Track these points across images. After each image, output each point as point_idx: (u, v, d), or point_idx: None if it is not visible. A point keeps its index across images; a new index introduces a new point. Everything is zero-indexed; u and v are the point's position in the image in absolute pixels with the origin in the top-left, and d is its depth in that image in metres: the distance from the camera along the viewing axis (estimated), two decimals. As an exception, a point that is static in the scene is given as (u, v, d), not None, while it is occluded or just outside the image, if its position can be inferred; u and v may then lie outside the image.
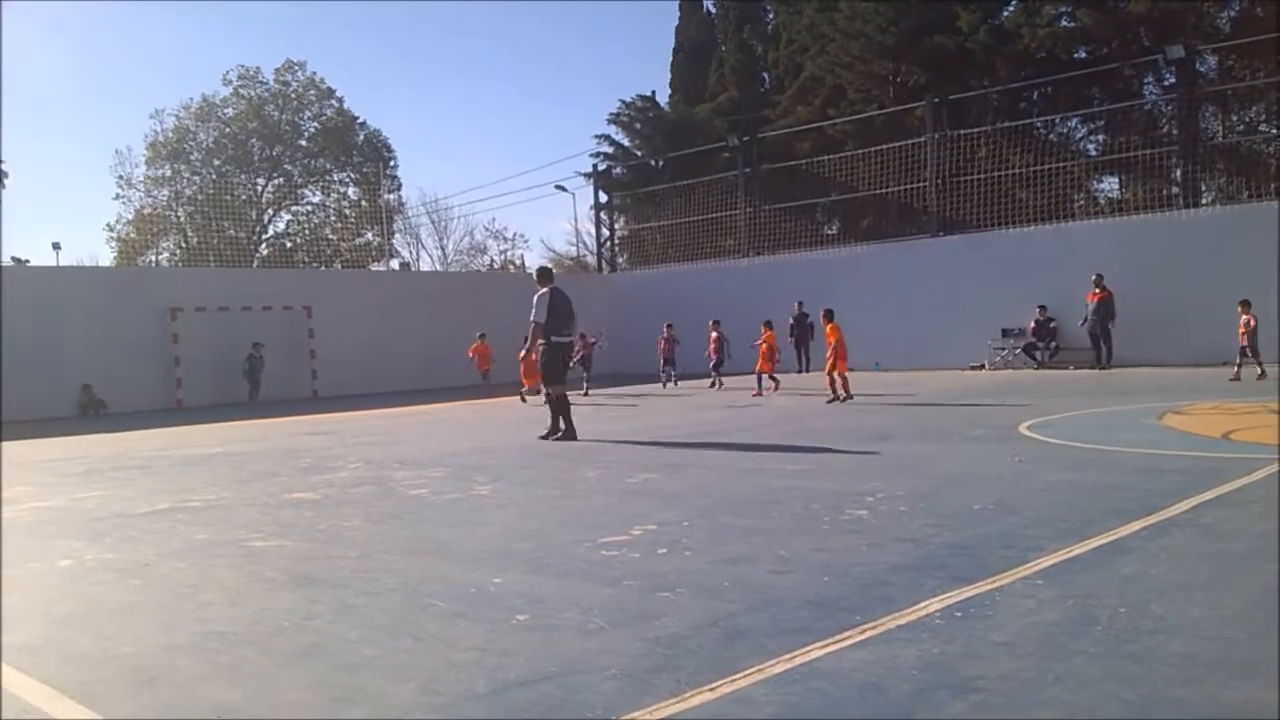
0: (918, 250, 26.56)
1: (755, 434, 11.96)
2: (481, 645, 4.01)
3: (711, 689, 3.39)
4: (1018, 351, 23.47)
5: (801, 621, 4.15)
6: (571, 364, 19.75)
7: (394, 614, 4.61)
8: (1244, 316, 16.79)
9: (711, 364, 21.96)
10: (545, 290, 12.04)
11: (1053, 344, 23.01)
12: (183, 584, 5.50)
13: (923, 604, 4.31)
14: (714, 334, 22.06)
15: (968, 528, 5.90)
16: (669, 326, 23.37)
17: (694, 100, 44.12)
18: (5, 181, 58.38)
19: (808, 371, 24.27)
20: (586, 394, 20.45)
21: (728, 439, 11.51)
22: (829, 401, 14.80)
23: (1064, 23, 31.18)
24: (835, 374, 15.83)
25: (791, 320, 24.88)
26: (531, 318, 11.97)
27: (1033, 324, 23.20)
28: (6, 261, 39.44)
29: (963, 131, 26.88)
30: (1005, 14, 32.55)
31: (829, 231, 35.82)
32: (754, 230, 30.75)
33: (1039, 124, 31.21)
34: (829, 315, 16.25)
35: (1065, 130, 33.32)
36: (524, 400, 19.22)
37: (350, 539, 6.62)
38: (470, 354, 23.98)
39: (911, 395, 16.81)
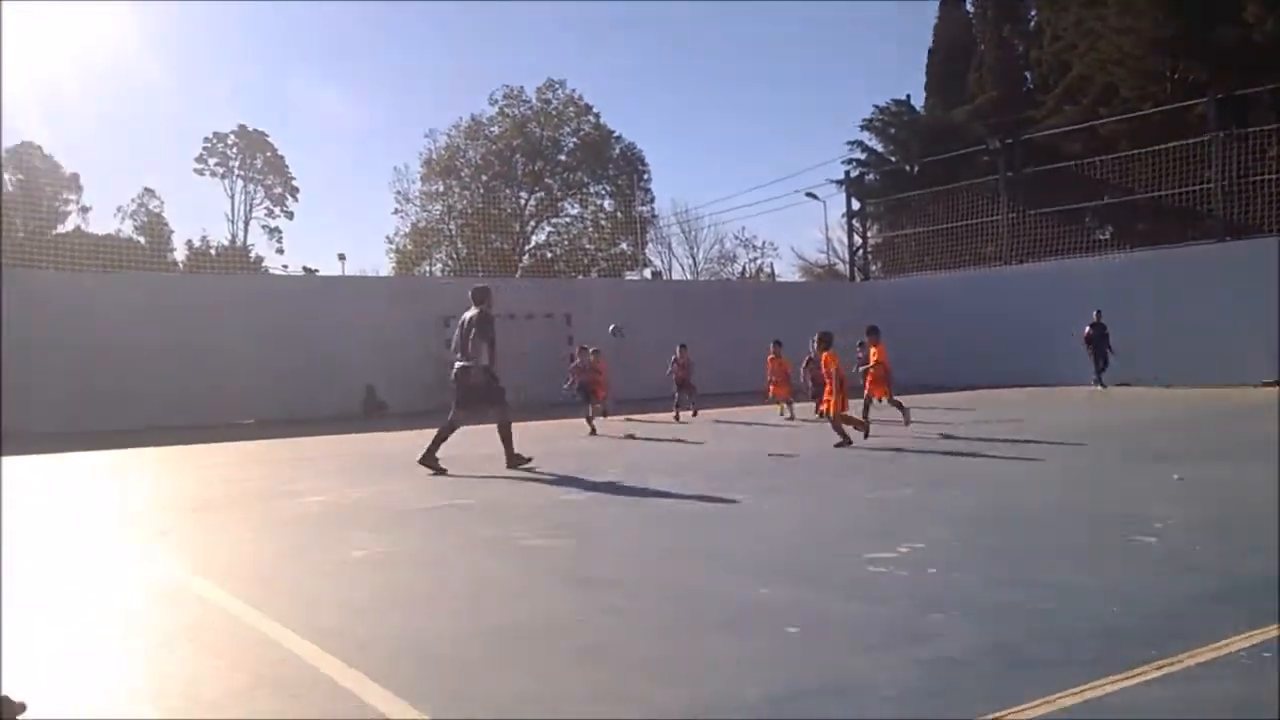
0: (1200, 257, 24.56)
1: (1022, 450, 11.43)
2: (751, 655, 4.03)
3: (996, 717, 3.26)
4: (1320, 366, 21.31)
5: (1090, 652, 3.92)
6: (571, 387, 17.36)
7: (665, 617, 4.71)
8: None
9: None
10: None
11: (1361, 359, 20.75)
12: (467, 577, 5.83)
13: (1225, 641, 3.98)
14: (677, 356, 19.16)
15: (1276, 561, 5.41)
16: (777, 344, 18.70)
17: (951, 103, 42.76)
18: (297, 196, 64.06)
19: (1103, 385, 22.85)
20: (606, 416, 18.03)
21: (993, 454, 11.06)
22: (838, 445, 11.93)
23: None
24: (837, 413, 12.36)
25: (1089, 329, 23.45)
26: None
27: (1338, 337, 21.02)
28: (298, 271, 42.98)
29: (1251, 130, 24.72)
30: (1299, 2, 29.72)
31: (1100, 237, 33.81)
32: (1017, 236, 29.45)
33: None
34: (826, 341, 13.16)
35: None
36: (782, 415, 18.18)
37: (619, 541, 6.83)
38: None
39: (1196, 412, 15.59)
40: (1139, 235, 32.40)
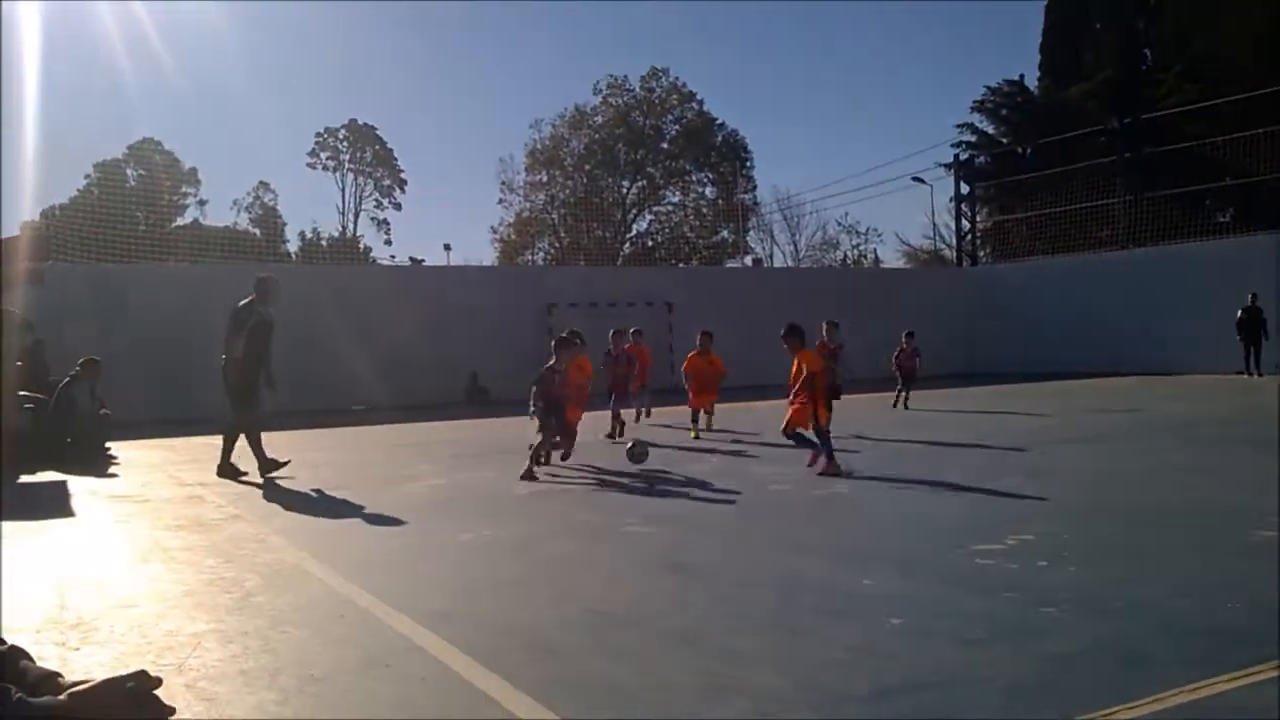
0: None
1: (1142, 443, 11.08)
2: (858, 646, 3.98)
3: (1106, 715, 3.17)
4: None
5: (1206, 651, 3.78)
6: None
7: (767, 607, 4.68)
8: None
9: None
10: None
11: None
12: (567, 562, 5.90)
13: (1350, 642, 3.80)
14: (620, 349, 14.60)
15: None
16: (705, 335, 14.52)
17: (1066, 83, 41.46)
18: (406, 189, 65.41)
19: (1258, 374, 21.85)
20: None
21: (1108, 452, 10.75)
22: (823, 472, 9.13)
23: None
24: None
25: (1242, 313, 22.34)
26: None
27: None
28: (405, 261, 43.96)
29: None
30: None
31: (1221, 219, 32.49)
32: (1133, 219, 28.47)
33: None
34: (798, 336, 9.63)
35: None
36: (694, 433, 13.66)
37: (718, 529, 6.82)
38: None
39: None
40: (1262, 218, 31.04)
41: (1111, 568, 5.19)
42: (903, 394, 17.45)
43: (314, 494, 9.21)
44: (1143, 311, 25.58)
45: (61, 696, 1.37)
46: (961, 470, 9.25)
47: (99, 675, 1.34)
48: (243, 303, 10.51)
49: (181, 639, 4.39)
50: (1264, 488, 7.60)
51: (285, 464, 10.55)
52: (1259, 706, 3.22)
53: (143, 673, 1.43)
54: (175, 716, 1.51)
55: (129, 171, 58.30)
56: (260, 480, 10.21)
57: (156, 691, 1.45)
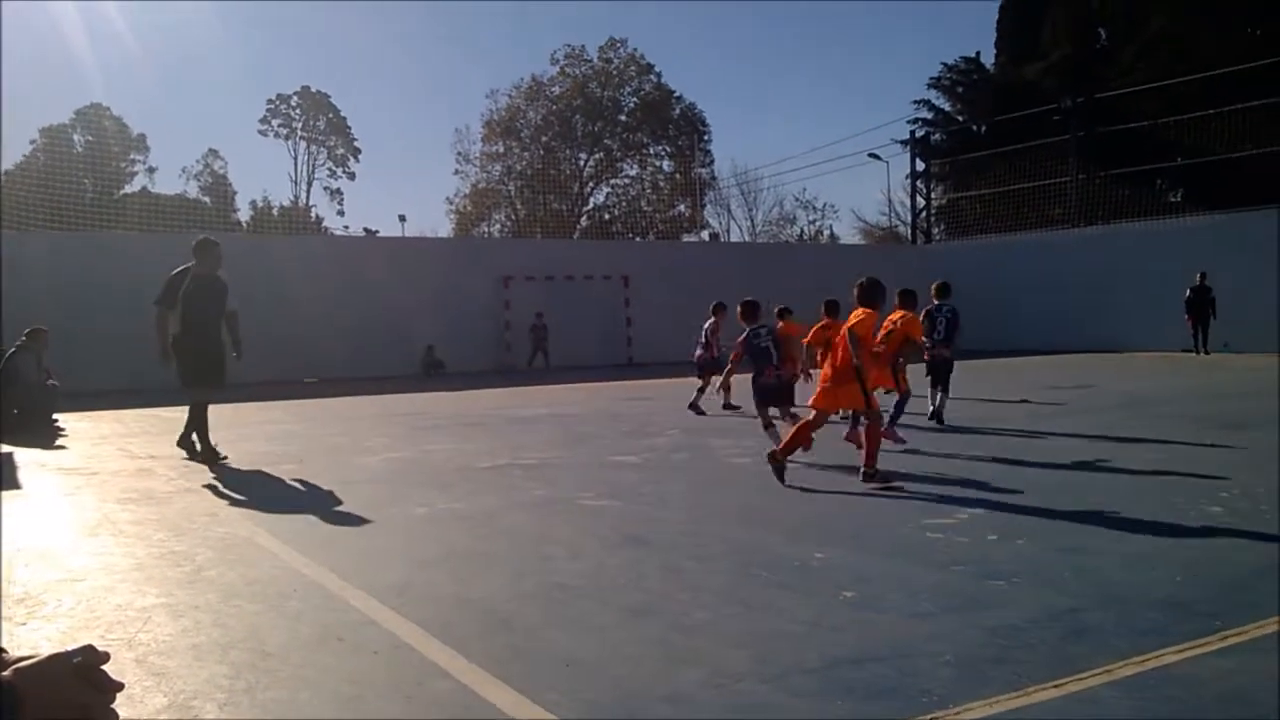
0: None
1: (1093, 419, 11.25)
2: (810, 619, 4.02)
3: (1055, 686, 3.24)
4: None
5: (1153, 622, 3.87)
6: None
7: (722, 580, 4.71)
8: None
9: None
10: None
11: None
12: (525, 536, 5.89)
13: (1294, 613, 3.90)
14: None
15: (1347, 533, 5.27)
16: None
17: (1022, 60, 41.69)
18: (360, 158, 64.61)
19: (1205, 352, 22.20)
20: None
21: (1059, 428, 10.90)
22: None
23: None
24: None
25: (1190, 293, 22.62)
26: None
27: None
28: (359, 232, 43.46)
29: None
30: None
31: (1172, 199, 32.94)
32: (1085, 198, 28.79)
33: None
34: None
35: None
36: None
37: (675, 504, 6.84)
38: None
39: (1270, 380, 15.19)
40: (1212, 199, 31.52)
41: (1061, 540, 5.27)
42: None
43: (267, 467, 9.11)
44: (1093, 289, 25.92)
45: (5, 672, 1.34)
46: (914, 444, 9.34)
47: (45, 650, 1.32)
48: (176, 271, 9.50)
49: (131, 613, 4.34)
50: (1214, 463, 7.76)
51: (224, 458, 9.60)
52: (1205, 678, 3.30)
53: (90, 647, 1.40)
54: (125, 692, 1.49)
55: (76, 137, 56.97)
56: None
57: (105, 666, 1.43)
